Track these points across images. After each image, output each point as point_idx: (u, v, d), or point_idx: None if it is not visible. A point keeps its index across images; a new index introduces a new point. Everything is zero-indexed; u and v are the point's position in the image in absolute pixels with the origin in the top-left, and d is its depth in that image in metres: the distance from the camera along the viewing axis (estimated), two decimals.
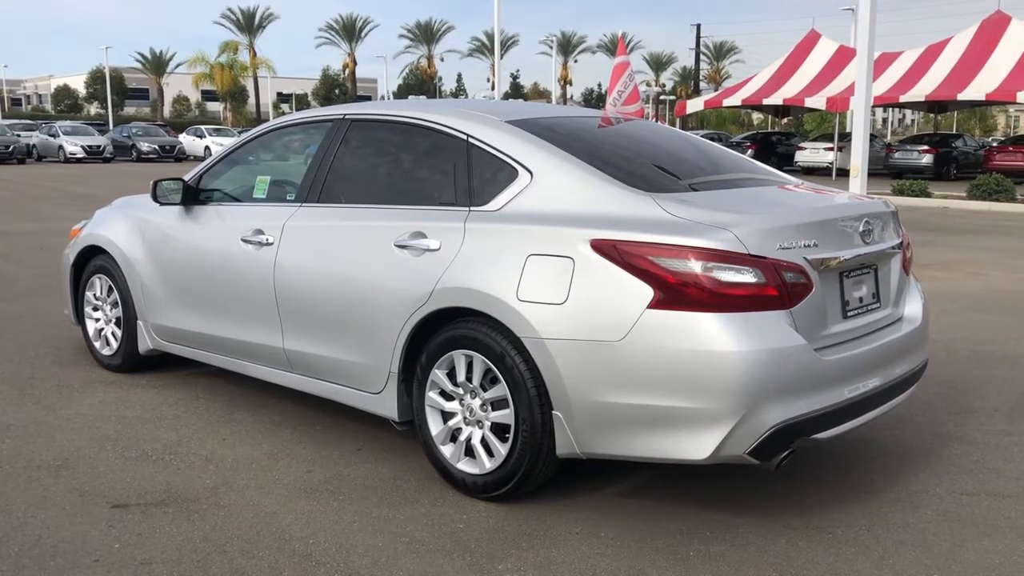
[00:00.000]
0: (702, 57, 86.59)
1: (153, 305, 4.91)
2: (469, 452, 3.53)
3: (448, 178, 3.73)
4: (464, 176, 3.66)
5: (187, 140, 39.10)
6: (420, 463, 3.84)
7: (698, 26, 52.35)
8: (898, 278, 3.72)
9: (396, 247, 3.69)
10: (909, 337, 3.60)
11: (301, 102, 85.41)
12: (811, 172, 29.54)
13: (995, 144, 30.44)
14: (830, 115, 44.46)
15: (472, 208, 3.57)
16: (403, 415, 3.78)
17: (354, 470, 3.84)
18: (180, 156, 37.47)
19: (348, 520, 3.34)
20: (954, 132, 36.23)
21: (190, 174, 4.88)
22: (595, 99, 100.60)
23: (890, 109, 34.44)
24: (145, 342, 5.07)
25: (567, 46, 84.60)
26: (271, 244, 4.20)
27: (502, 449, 3.39)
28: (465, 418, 3.54)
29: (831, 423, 3.17)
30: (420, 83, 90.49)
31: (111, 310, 5.28)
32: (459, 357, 3.49)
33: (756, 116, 57.79)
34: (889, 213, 3.72)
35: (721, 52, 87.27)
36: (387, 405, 3.79)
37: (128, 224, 5.11)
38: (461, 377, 3.50)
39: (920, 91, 25.87)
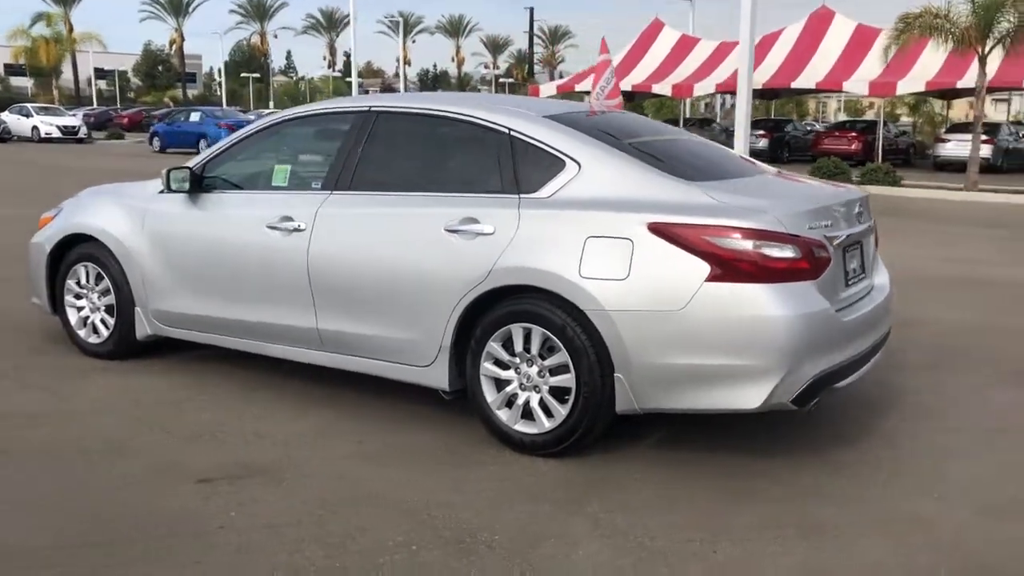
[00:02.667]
0: (538, 41, 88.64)
1: (155, 292, 4.99)
2: (526, 415, 3.93)
3: (492, 168, 4.09)
4: (509, 166, 4.03)
5: (11, 119, 36.55)
6: (462, 430, 4.20)
7: (531, 9, 53.59)
8: (872, 252, 4.39)
9: (446, 232, 4.02)
10: (886, 301, 4.29)
11: (122, 79, 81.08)
12: None
13: (823, 129, 32.99)
14: (670, 101, 46.66)
15: (522, 195, 3.95)
16: (452, 385, 4.13)
17: (402, 439, 4.14)
18: (4, 136, 35.07)
19: (429, 482, 3.67)
20: (785, 118, 38.81)
21: (193, 161, 4.98)
22: (430, 80, 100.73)
23: (718, 96, 36.46)
24: (144, 328, 5.14)
25: (406, 26, 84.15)
26: (303, 230, 4.42)
27: (562, 410, 3.81)
28: (522, 384, 3.93)
29: (846, 374, 3.80)
30: (247, 60, 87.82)
31: (99, 298, 5.29)
32: (517, 330, 3.88)
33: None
34: (866, 198, 4.38)
35: (556, 36, 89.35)
36: (438, 377, 4.13)
37: (123, 212, 5.14)
38: (519, 348, 3.89)
39: (758, 79, 27.60)
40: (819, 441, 4.16)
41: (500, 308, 3.92)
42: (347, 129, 4.55)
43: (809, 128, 34.72)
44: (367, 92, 38.88)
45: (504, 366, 3.96)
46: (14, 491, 3.56)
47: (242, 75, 79.67)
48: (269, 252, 4.53)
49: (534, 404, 3.90)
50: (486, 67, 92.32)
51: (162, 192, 5.03)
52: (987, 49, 17.69)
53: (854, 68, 26.45)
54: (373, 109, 4.53)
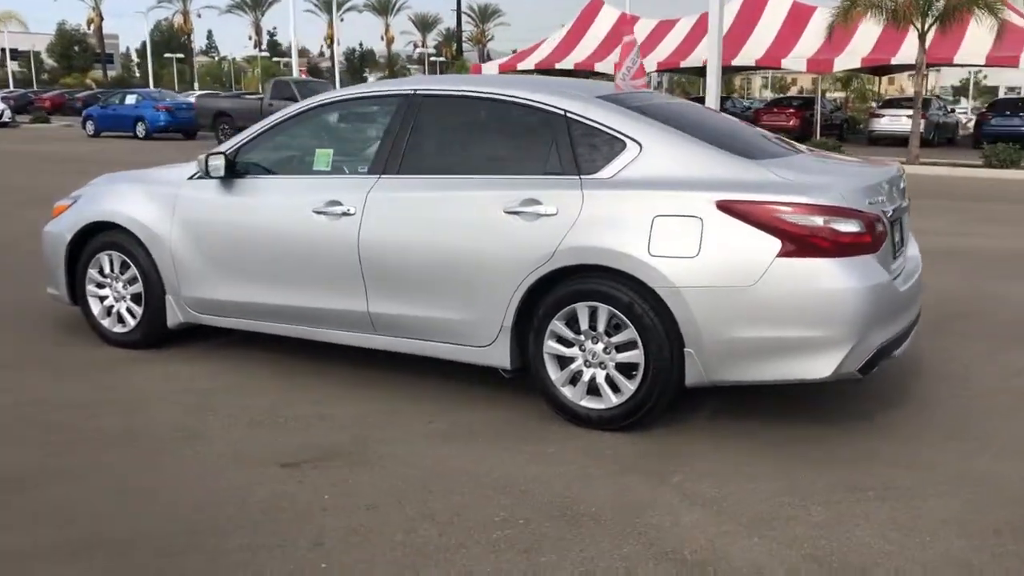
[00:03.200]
0: (468, 19, 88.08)
1: (189, 279, 4.95)
2: (591, 391, 4.03)
3: (548, 150, 4.17)
4: (567, 148, 4.11)
5: None
6: (522, 407, 4.30)
7: None
8: (908, 225, 4.60)
9: (506, 213, 4.09)
10: (920, 272, 4.49)
11: (36, 60, 78.23)
12: None
13: (762, 105, 33.66)
14: (611, 80, 46.90)
15: (583, 176, 4.03)
16: (513, 364, 4.21)
17: (468, 418, 4.22)
18: None
19: (509, 458, 3.76)
20: (724, 95, 39.43)
21: (225, 146, 4.94)
22: (357, 58, 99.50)
23: (664, 74, 36.81)
24: (175, 316, 5.10)
25: (333, 4, 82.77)
26: (352, 215, 4.43)
27: (630, 385, 3.93)
28: (586, 361, 4.03)
29: (900, 343, 4.00)
30: (168, 40, 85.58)
31: (125, 287, 5.22)
32: (582, 309, 3.98)
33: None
34: (904, 174, 4.58)
35: (486, 15, 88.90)
36: (499, 356, 4.21)
37: (151, 199, 5.07)
38: (584, 326, 3.99)
39: (698, 57, 28.05)
40: (862, 407, 4.36)
41: (564, 287, 4.01)
42: (391, 113, 4.57)
43: (748, 105, 35.37)
44: (300, 72, 38.04)
45: (568, 344, 4.06)
46: (109, 479, 3.55)
47: (165, 56, 77.60)
48: (316, 237, 4.53)
49: (600, 380, 4.01)
50: (415, 46, 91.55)
51: (193, 178, 4.98)
52: (926, 26, 18.26)
53: (791, 45, 27.07)
54: (418, 92, 4.55)
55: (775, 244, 3.66)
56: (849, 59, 25.88)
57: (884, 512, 3.27)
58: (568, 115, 4.16)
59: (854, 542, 3.05)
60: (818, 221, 3.65)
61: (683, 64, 28.66)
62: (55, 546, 3.04)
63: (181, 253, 4.95)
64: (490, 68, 33.29)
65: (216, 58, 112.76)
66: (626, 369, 3.96)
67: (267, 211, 4.72)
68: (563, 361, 4.09)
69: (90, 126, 29.12)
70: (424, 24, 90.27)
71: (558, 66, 30.81)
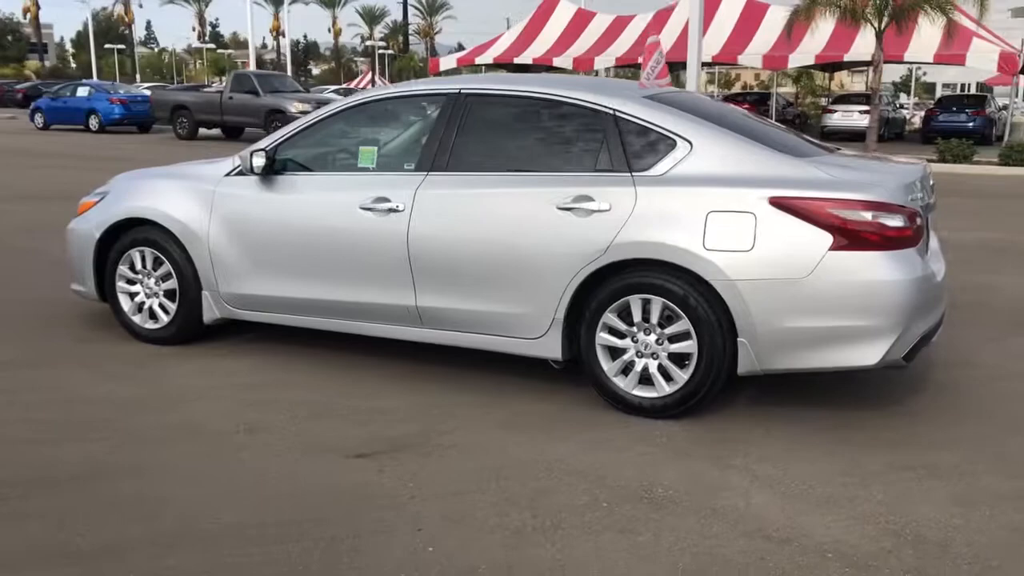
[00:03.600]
0: (415, 12, 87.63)
1: (228, 275, 4.99)
2: (643, 380, 4.19)
3: (598, 148, 4.30)
4: (617, 146, 4.26)
5: None
6: (571, 396, 4.44)
7: None
8: (932, 220, 4.84)
9: (559, 209, 4.22)
10: (945, 266, 4.73)
11: None
12: None
13: (720, 100, 34.17)
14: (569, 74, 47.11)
15: (635, 174, 4.18)
16: (564, 356, 4.35)
17: (522, 407, 4.34)
18: None
19: (572, 445, 3.90)
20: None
21: (263, 144, 4.98)
22: (301, 51, 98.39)
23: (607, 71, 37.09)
24: (212, 312, 5.13)
25: None
26: (400, 211, 4.52)
27: (683, 374, 4.10)
28: (639, 352, 4.19)
29: (935, 332, 4.23)
30: (106, 31, 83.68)
31: (157, 283, 5.24)
32: (635, 301, 4.13)
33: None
34: (930, 173, 4.80)
35: (433, 7, 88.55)
36: (550, 348, 4.34)
37: (187, 195, 5.10)
38: (637, 318, 4.15)
39: None
40: (888, 392, 4.59)
41: (617, 281, 4.15)
42: (437, 111, 4.66)
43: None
44: (243, 64, 37.47)
45: (620, 335, 4.21)
46: (184, 472, 3.61)
47: (105, 46, 75.83)
48: (363, 233, 4.61)
49: (653, 370, 4.17)
50: (362, 39, 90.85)
51: (230, 174, 5.02)
52: (883, 24, 18.79)
53: (747, 42, 27.56)
54: (464, 92, 4.65)
55: (827, 238, 3.85)
56: (803, 56, 26.45)
57: (941, 490, 3.49)
58: (617, 114, 4.30)
59: (922, 518, 3.25)
60: (867, 216, 3.85)
61: (640, 59, 28.93)
62: (147, 539, 3.09)
63: (220, 249, 4.98)
64: (448, 62, 33.31)
65: (156, 49, 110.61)
66: (678, 359, 4.12)
67: (312, 207, 4.78)
68: (614, 352, 4.24)
69: (39, 118, 28.43)
70: (371, 17, 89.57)
71: (516, 60, 30.95)
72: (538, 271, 4.27)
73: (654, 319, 4.13)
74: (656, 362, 4.17)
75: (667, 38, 28.76)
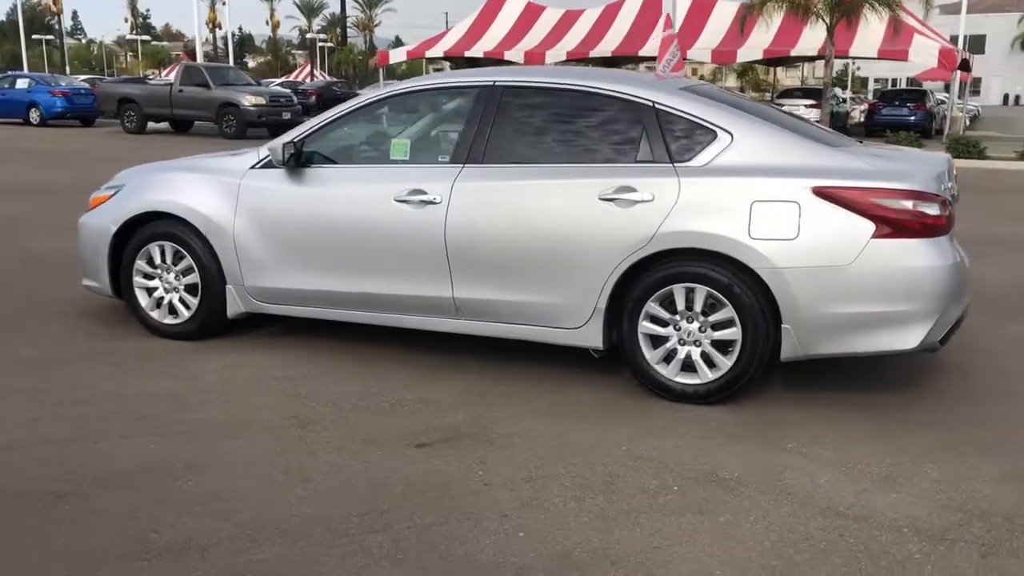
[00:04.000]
0: (355, 5, 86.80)
1: (254, 269, 4.95)
2: (685, 368, 4.28)
3: (638, 139, 4.38)
4: (657, 137, 4.33)
5: None
6: (611, 384, 4.52)
7: None
8: None
9: (601, 200, 4.29)
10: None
11: None
12: None
13: None
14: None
15: (676, 164, 4.26)
16: (604, 344, 4.42)
17: (564, 397, 4.40)
18: None
19: (628, 431, 3.98)
20: None
21: (291, 135, 4.95)
22: (238, 43, 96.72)
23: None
24: (236, 306, 5.09)
25: None
26: (437, 203, 4.54)
27: (727, 361, 4.20)
28: (681, 340, 4.28)
29: (965, 315, 4.39)
30: (30, 21, 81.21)
31: (177, 278, 5.17)
32: (679, 290, 4.22)
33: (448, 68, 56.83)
34: (952, 164, 4.96)
35: (372, 0, 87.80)
36: (591, 337, 4.41)
37: (210, 188, 5.04)
38: (680, 306, 4.23)
39: (606, 47, 28.73)
40: (911, 375, 4.76)
41: (660, 270, 4.23)
42: (471, 103, 4.68)
43: None
44: (180, 56, 36.72)
45: (662, 323, 4.29)
46: (252, 467, 3.59)
47: (33, 36, 73.58)
48: (398, 225, 4.61)
49: (696, 357, 4.26)
50: (301, 31, 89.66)
51: (255, 167, 4.98)
52: (834, 20, 19.26)
53: (695, 37, 27.92)
54: (498, 84, 4.68)
55: (870, 226, 3.98)
56: (751, 51, 26.93)
57: (991, 466, 3.64)
58: (657, 106, 4.38)
59: (980, 494, 3.40)
60: (908, 205, 3.99)
61: (592, 53, 29.18)
62: (226, 534, 3.06)
63: (246, 242, 4.94)
64: (398, 55, 33.10)
65: (84, 40, 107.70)
66: (721, 346, 4.22)
67: (345, 200, 4.76)
68: (656, 340, 4.32)
69: None
70: (310, 9, 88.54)
71: (467, 54, 30.91)
72: (579, 261, 4.33)
73: (698, 307, 4.22)
74: (699, 349, 4.26)
75: (616, 32, 29.10)
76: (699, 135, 4.30)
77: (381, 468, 3.58)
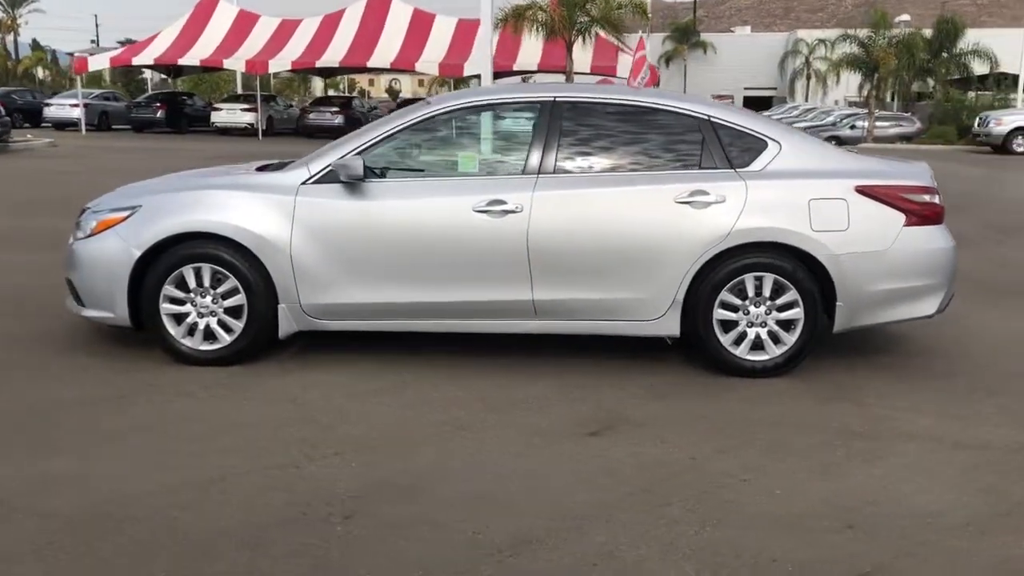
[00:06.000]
0: None
1: (312, 286, 4.87)
2: (754, 347, 4.92)
3: (699, 149, 4.94)
4: (717, 146, 4.93)
5: None
6: (669, 368, 5.06)
7: None
8: None
9: (677, 203, 4.81)
10: None
11: None
12: (228, 132, 30.48)
13: (395, 107, 34.92)
14: (208, 76, 45.03)
15: (738, 169, 4.89)
16: (680, 332, 4.95)
17: (650, 380, 4.85)
18: None
19: (741, 404, 4.53)
20: (349, 95, 40.17)
21: (346, 150, 4.93)
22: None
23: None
24: (289, 326, 4.96)
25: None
26: (519, 212, 4.80)
27: (791, 337, 4.89)
28: (750, 323, 4.91)
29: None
30: None
31: (216, 301, 4.92)
32: (749, 278, 4.85)
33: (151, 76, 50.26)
34: None
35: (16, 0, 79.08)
36: (669, 327, 4.91)
37: (260, 206, 4.85)
38: (751, 293, 4.87)
39: (333, 57, 28.68)
40: (900, 341, 5.74)
41: (733, 262, 4.83)
42: (534, 118, 4.98)
43: (375, 106, 36.71)
44: None
45: (733, 309, 4.90)
46: (462, 477, 3.66)
47: None
48: (479, 234, 4.80)
49: (764, 336, 4.91)
50: None
51: (308, 182, 4.90)
52: (571, 38, 20.95)
53: (420, 49, 28.79)
54: (558, 99, 5.02)
55: (901, 217, 4.87)
56: (473, 66, 28.21)
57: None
58: (712, 119, 4.97)
59: None
60: (926, 198, 4.93)
61: (318, 63, 29.00)
62: (495, 545, 3.10)
63: (304, 260, 4.84)
64: (99, 61, 30.56)
65: None
66: (784, 325, 4.90)
67: (419, 212, 4.84)
68: (727, 325, 4.92)
69: None
70: None
71: (181, 61, 29.39)
72: (659, 259, 4.81)
73: (766, 292, 4.87)
74: (765, 329, 4.91)
75: (340, 43, 29.16)
76: (753, 144, 4.95)
77: (580, 460, 3.82)
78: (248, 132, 30.08)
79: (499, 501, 3.42)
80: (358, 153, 4.90)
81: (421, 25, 29.56)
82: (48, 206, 11.58)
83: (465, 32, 28.98)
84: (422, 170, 5.07)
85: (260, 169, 5.41)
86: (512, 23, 21.89)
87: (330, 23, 30.06)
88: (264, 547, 3.04)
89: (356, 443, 3.96)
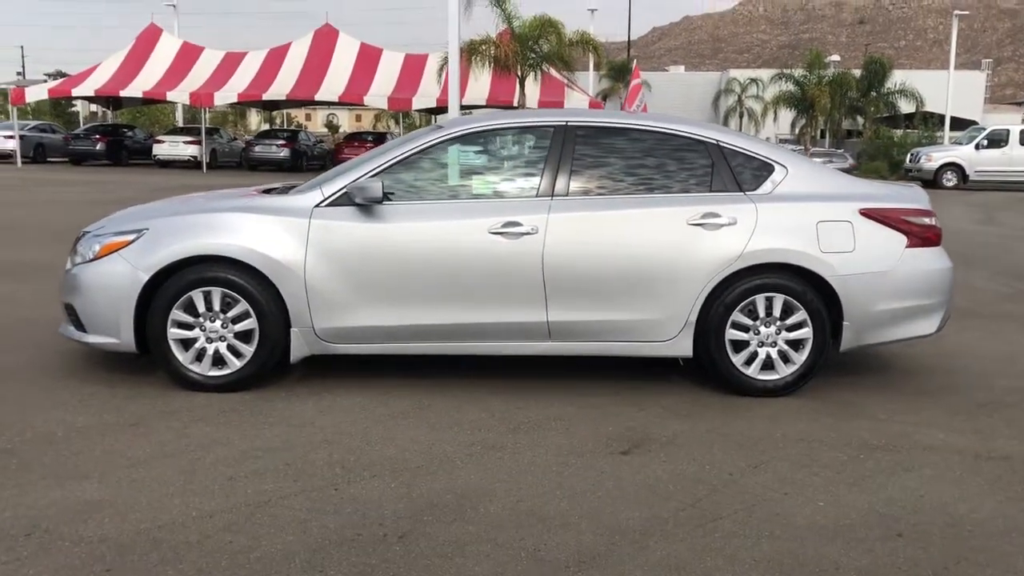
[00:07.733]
0: None
1: (327, 309, 4.81)
2: (765, 367, 5.00)
3: (708, 172, 5.04)
4: (726, 170, 5.03)
5: None
6: (689, 387, 5.11)
7: None
8: None
9: (690, 225, 4.89)
10: None
11: None
12: (171, 165, 30.00)
13: (342, 141, 34.70)
14: (147, 109, 44.31)
15: (747, 192, 5.00)
16: (691, 353, 5.01)
17: (664, 400, 4.90)
18: None
19: (758, 422, 4.59)
20: (295, 128, 39.79)
21: (360, 173, 4.91)
22: None
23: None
24: (302, 349, 4.89)
25: None
26: (534, 233, 4.83)
27: (800, 356, 4.99)
28: (761, 342, 4.99)
29: None
30: None
31: (226, 325, 4.83)
32: (760, 299, 4.94)
33: (92, 108, 48.78)
34: None
35: None
36: (682, 347, 4.97)
37: (273, 228, 4.79)
38: (761, 313, 4.96)
39: (280, 90, 28.50)
40: (882, 361, 5.90)
41: (743, 284, 4.92)
42: (547, 142, 5.03)
43: (320, 140, 36.45)
44: None
45: (744, 329, 4.98)
46: (517, 496, 3.66)
47: None
48: (495, 256, 4.82)
49: (774, 356, 5.00)
50: None
51: (322, 205, 4.87)
52: (522, 72, 21.21)
53: (368, 83, 28.80)
54: (570, 124, 5.08)
55: (903, 239, 5.02)
56: (424, 100, 28.35)
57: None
58: (720, 144, 5.08)
59: None
60: (926, 220, 5.10)
61: (265, 96, 28.79)
62: (578, 557, 3.15)
63: (319, 283, 4.79)
64: (37, 92, 29.86)
65: None
66: (793, 344, 5.00)
67: (436, 234, 4.83)
68: (738, 345, 4.99)
69: None
70: None
71: (123, 93, 28.89)
72: (673, 280, 4.88)
73: (776, 313, 4.96)
74: (775, 349, 5.00)
75: (287, 76, 29.02)
76: (761, 168, 5.07)
77: (626, 473, 3.85)
78: (191, 165, 29.69)
79: (551, 518, 3.41)
80: (374, 175, 4.89)
81: (368, 60, 29.61)
82: None
83: (412, 67, 29.17)
84: (436, 192, 5.06)
85: (264, 192, 5.36)
86: (465, 57, 22.05)
87: (276, 56, 29.92)
88: (328, 568, 2.97)
89: (391, 464, 3.90)
